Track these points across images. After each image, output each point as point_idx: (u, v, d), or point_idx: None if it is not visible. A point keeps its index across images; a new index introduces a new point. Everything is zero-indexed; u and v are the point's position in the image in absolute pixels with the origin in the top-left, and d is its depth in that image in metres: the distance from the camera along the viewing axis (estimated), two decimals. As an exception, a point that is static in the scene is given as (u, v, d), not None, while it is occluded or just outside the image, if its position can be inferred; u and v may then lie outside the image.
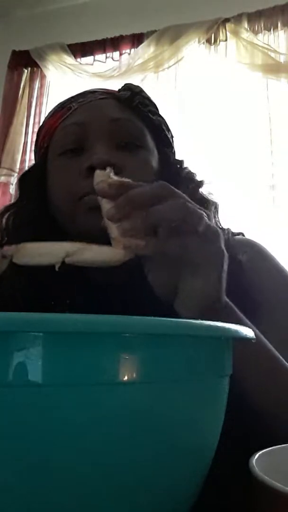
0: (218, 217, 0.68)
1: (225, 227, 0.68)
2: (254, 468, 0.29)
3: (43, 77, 2.83)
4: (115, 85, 0.73)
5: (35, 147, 0.72)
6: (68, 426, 0.25)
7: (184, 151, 0.81)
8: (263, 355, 0.50)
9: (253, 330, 0.45)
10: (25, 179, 0.69)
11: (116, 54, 2.70)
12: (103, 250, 0.45)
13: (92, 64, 2.74)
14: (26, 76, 2.86)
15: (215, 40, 2.51)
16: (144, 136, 0.64)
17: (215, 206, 0.68)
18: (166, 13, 2.54)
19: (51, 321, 0.24)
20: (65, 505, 0.26)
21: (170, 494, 0.29)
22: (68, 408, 0.25)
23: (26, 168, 0.72)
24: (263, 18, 2.43)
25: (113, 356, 0.26)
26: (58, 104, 0.68)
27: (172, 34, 2.54)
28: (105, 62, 2.72)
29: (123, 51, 2.68)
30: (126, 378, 0.26)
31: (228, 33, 2.48)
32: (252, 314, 0.51)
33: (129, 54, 2.67)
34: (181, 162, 0.69)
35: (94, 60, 2.74)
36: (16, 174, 2.70)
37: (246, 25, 2.44)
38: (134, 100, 0.64)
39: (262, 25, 2.44)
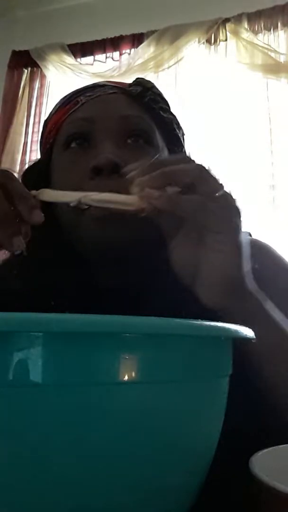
0: None
1: None
2: (254, 468, 0.29)
3: (43, 77, 2.83)
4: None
5: (40, 142, 0.70)
6: (68, 426, 0.25)
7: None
8: None
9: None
10: (28, 174, 0.68)
11: (116, 54, 2.70)
12: (119, 196, 0.47)
13: (92, 64, 2.74)
14: (26, 76, 2.86)
15: (215, 40, 2.51)
16: (154, 133, 0.62)
17: None
18: (166, 13, 2.55)
19: (51, 321, 0.24)
20: (65, 505, 0.26)
21: (170, 494, 0.29)
22: (68, 408, 0.25)
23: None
24: (263, 18, 2.43)
25: (113, 356, 0.26)
26: (65, 97, 0.66)
27: (172, 34, 2.54)
28: (105, 62, 2.72)
29: (123, 51, 2.69)
30: (126, 378, 0.26)
31: (228, 33, 2.48)
32: None
33: (129, 54, 2.67)
34: None
35: (94, 60, 2.74)
36: (16, 174, 2.70)
37: (246, 25, 2.44)
38: (145, 96, 0.62)
39: (262, 25, 2.44)
